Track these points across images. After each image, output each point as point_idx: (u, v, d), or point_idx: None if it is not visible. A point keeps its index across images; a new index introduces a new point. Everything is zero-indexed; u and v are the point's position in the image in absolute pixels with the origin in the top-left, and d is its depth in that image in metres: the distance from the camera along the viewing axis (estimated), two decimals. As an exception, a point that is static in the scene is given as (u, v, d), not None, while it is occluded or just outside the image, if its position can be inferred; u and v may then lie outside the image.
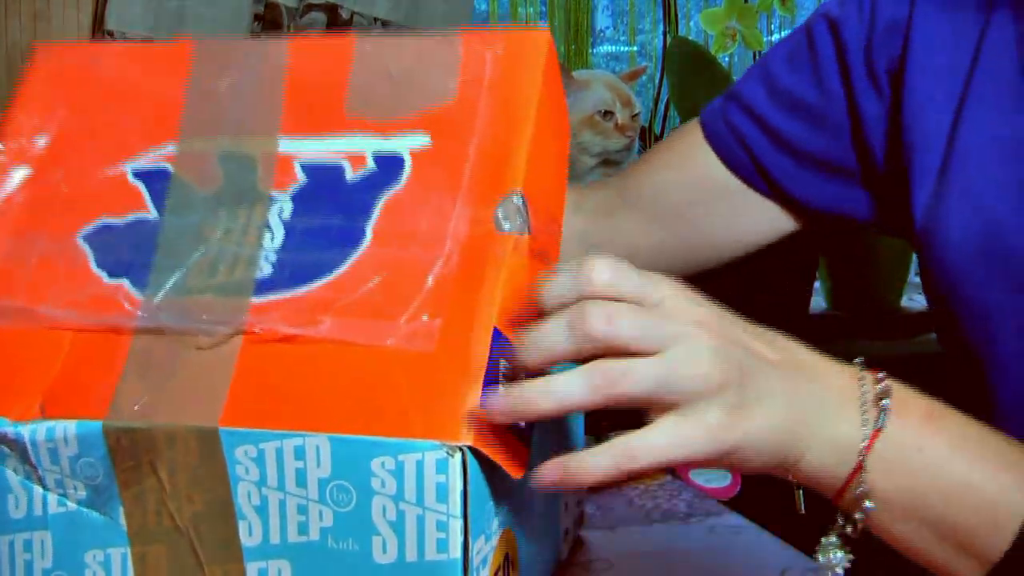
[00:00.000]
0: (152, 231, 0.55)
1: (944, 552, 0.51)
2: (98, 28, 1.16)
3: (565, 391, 0.46)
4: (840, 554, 0.52)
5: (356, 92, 0.55)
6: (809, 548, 0.55)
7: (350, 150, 0.54)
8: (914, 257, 0.72)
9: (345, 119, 0.55)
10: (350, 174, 0.53)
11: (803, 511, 0.55)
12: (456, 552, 0.47)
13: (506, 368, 0.49)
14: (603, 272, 0.47)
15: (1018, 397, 0.65)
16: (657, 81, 1.79)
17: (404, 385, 0.48)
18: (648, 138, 1.71)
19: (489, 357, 0.48)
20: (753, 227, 0.80)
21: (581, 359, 0.47)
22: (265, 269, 0.52)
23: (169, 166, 0.56)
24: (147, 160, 0.56)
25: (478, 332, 0.48)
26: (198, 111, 0.57)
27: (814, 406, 0.50)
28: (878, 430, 0.50)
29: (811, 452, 0.50)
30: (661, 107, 1.76)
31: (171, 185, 0.55)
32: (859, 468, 0.50)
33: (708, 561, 0.72)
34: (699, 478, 0.99)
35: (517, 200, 0.51)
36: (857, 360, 0.53)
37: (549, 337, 0.47)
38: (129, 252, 0.55)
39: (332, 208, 0.53)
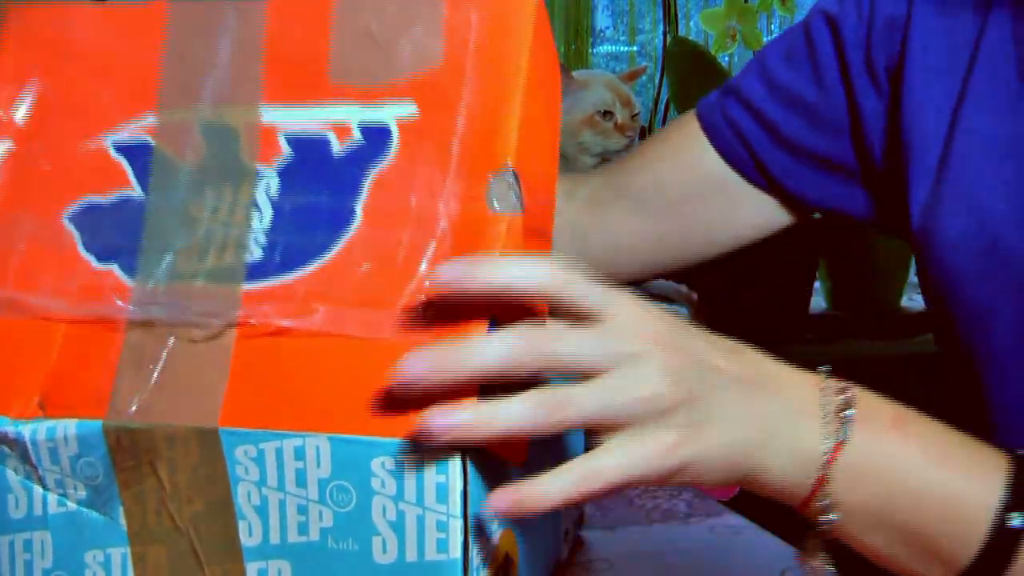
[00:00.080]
0: (138, 210, 0.54)
1: (914, 560, 0.51)
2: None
3: (506, 419, 0.45)
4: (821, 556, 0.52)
5: (338, 56, 0.53)
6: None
7: (335, 120, 0.53)
8: (913, 257, 0.72)
9: (328, 85, 0.53)
10: (336, 147, 0.52)
11: None
12: (456, 552, 0.47)
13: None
14: (549, 285, 0.46)
15: (1015, 397, 0.65)
16: (657, 81, 1.79)
17: None
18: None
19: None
20: (749, 221, 0.80)
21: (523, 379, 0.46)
22: (255, 252, 0.51)
23: (150, 139, 0.55)
24: (128, 132, 0.55)
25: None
26: (176, 79, 0.55)
27: (773, 421, 0.49)
28: (840, 443, 0.49)
29: (771, 467, 0.49)
30: (661, 107, 1.76)
31: (154, 160, 0.54)
32: (821, 482, 0.49)
33: (708, 561, 0.72)
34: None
35: (509, 177, 0.50)
36: (822, 368, 0.52)
37: (484, 355, 0.45)
38: (116, 234, 0.54)
39: (320, 185, 0.52)
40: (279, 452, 0.48)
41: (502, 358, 0.45)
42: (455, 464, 0.46)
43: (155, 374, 0.51)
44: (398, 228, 0.50)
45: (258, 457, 0.48)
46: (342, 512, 0.48)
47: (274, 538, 0.49)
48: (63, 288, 0.53)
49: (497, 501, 0.45)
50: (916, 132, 0.68)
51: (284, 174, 0.52)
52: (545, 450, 0.51)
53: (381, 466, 0.47)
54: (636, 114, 1.22)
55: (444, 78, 0.51)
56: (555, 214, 0.54)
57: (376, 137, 0.52)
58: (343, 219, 0.51)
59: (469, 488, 0.47)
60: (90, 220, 0.54)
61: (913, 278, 1.62)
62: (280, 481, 0.48)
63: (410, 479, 0.47)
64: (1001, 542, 0.49)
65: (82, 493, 0.51)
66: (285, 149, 0.53)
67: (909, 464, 0.50)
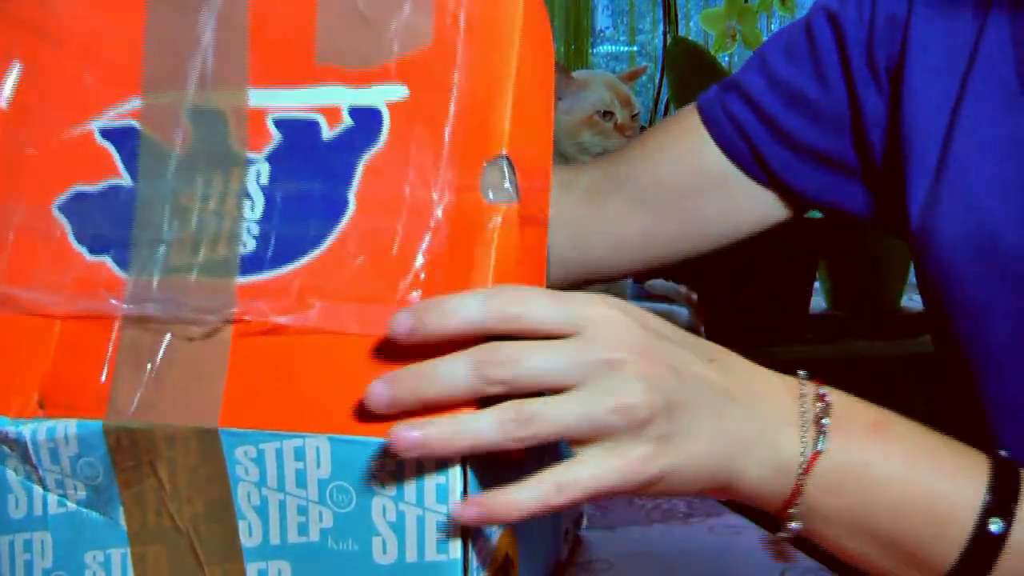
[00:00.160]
0: (128, 200, 0.53)
1: (894, 565, 0.50)
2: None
3: (475, 433, 0.45)
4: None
5: (326, 36, 0.52)
6: (809, 548, 0.55)
7: (324, 103, 0.52)
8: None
9: (316, 67, 0.52)
10: (327, 132, 0.51)
11: None
12: (456, 553, 0.47)
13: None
14: (512, 304, 0.46)
15: (1012, 395, 0.65)
16: (657, 81, 1.79)
17: None
18: (648, 138, 1.71)
19: None
20: (747, 215, 0.80)
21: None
22: (248, 244, 0.51)
23: (136, 123, 0.54)
24: (113, 116, 0.54)
25: None
26: (159, 61, 0.54)
27: (751, 432, 0.48)
28: (817, 453, 0.49)
29: (749, 477, 0.49)
30: (661, 107, 1.76)
31: (141, 146, 0.53)
32: (797, 491, 0.49)
33: (708, 561, 0.72)
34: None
35: (503, 166, 0.49)
36: (801, 373, 0.51)
37: (447, 376, 0.45)
38: (107, 224, 0.53)
39: (311, 171, 0.51)
40: (279, 452, 0.48)
41: (467, 382, 0.45)
42: (455, 465, 0.46)
43: (153, 373, 0.50)
44: (392, 217, 0.49)
45: (258, 457, 0.48)
46: (342, 513, 0.48)
47: (274, 538, 0.49)
48: (57, 282, 0.53)
49: (465, 510, 0.45)
50: (915, 131, 0.69)
51: (274, 160, 0.52)
52: (543, 447, 0.51)
53: (381, 467, 0.47)
54: (636, 114, 1.22)
55: (434, 59, 0.50)
56: (553, 205, 0.54)
57: (367, 121, 0.51)
58: (336, 208, 0.50)
59: (469, 489, 0.47)
60: (80, 210, 0.54)
61: (913, 278, 1.62)
62: (280, 481, 0.48)
63: (410, 480, 0.47)
64: (982, 547, 0.49)
65: (82, 493, 0.51)
66: (275, 134, 0.52)
67: (888, 471, 0.49)
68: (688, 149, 0.79)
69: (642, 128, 1.21)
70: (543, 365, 0.45)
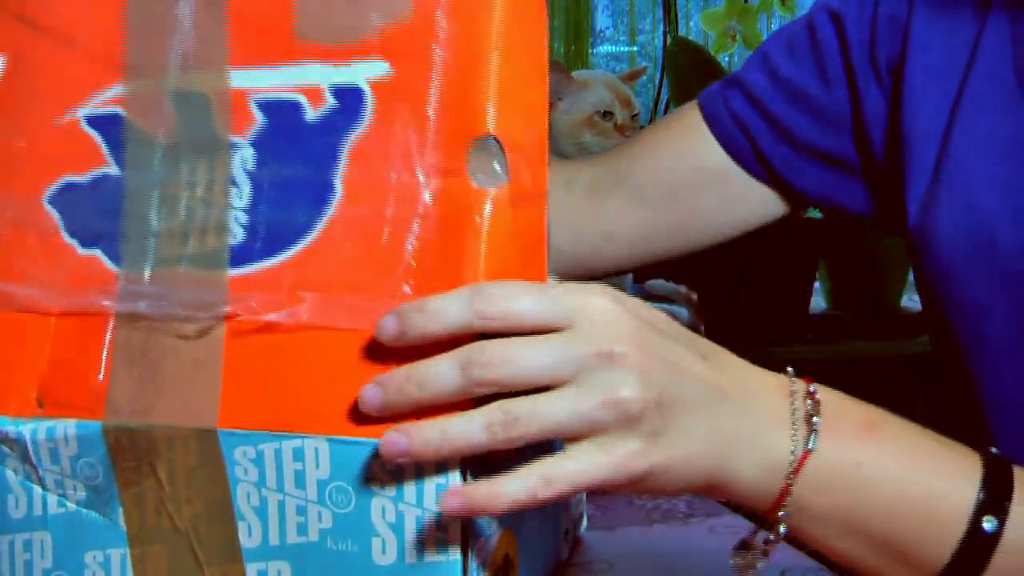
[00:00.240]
0: (116, 190, 0.52)
1: (884, 564, 0.50)
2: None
3: (462, 436, 0.44)
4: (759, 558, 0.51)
5: (303, 9, 0.51)
6: (810, 549, 0.55)
7: (305, 82, 0.51)
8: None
9: (295, 43, 0.51)
10: (310, 113, 0.50)
11: None
12: (456, 553, 0.47)
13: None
14: (495, 304, 0.45)
15: (1009, 394, 0.65)
16: (657, 81, 1.79)
17: None
18: (648, 138, 1.71)
19: None
20: (747, 212, 0.80)
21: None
22: (237, 234, 0.50)
23: (121, 110, 0.53)
24: (98, 104, 0.53)
25: None
26: (140, 45, 0.53)
27: (742, 431, 0.48)
28: (807, 452, 0.48)
29: (739, 476, 0.48)
30: (661, 107, 1.76)
31: (127, 134, 0.53)
32: (786, 491, 0.48)
33: (708, 561, 0.72)
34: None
35: (491, 146, 0.48)
36: (789, 370, 0.51)
37: (435, 379, 0.45)
38: (97, 216, 0.53)
39: (296, 155, 0.50)
40: (278, 453, 0.48)
41: (455, 384, 0.44)
42: (455, 466, 0.46)
43: (149, 373, 0.50)
44: (379, 204, 0.49)
45: (257, 458, 0.48)
46: (341, 513, 0.48)
47: (273, 539, 0.49)
48: (50, 278, 0.53)
49: (449, 501, 0.44)
50: (915, 130, 0.69)
51: (259, 144, 0.51)
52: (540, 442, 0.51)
53: (380, 467, 0.47)
54: (636, 114, 1.22)
55: (415, 33, 0.49)
56: (553, 203, 0.52)
57: (349, 101, 0.50)
58: (323, 194, 0.50)
59: (468, 489, 0.47)
60: (70, 201, 0.53)
61: (912, 278, 1.62)
62: (279, 482, 0.48)
63: (409, 481, 0.47)
64: (976, 546, 0.49)
65: (82, 494, 0.51)
66: (258, 117, 0.51)
67: (880, 470, 0.49)
68: (688, 145, 0.79)
69: (642, 128, 1.21)
70: (530, 365, 0.44)
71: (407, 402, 0.45)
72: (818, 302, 1.64)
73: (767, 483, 0.49)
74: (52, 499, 0.52)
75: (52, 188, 0.54)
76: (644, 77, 1.63)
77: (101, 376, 0.51)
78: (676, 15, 1.87)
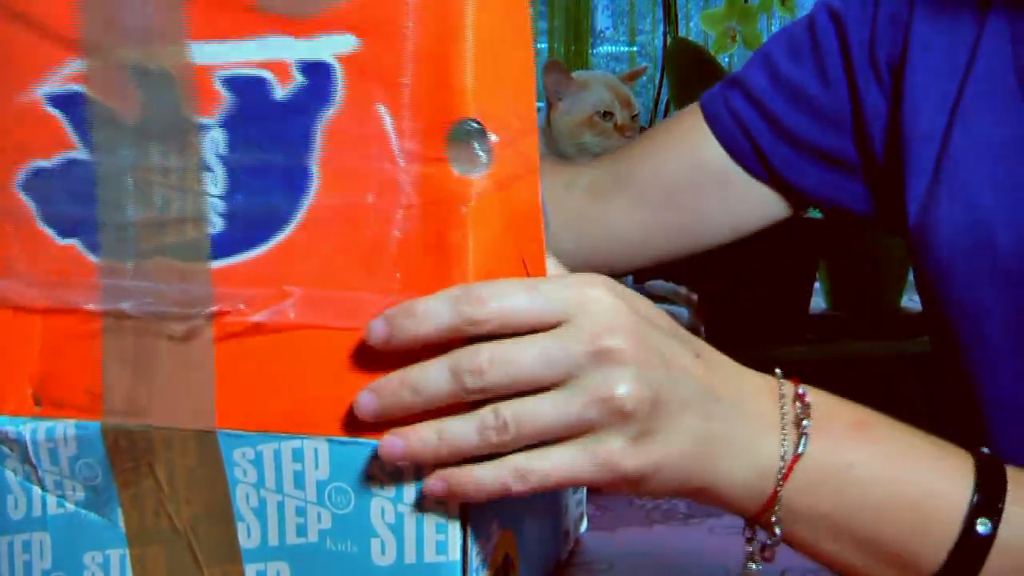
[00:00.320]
0: (87, 175, 0.50)
1: (876, 568, 0.50)
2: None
3: (456, 439, 0.44)
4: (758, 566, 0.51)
5: None
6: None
7: (270, 58, 0.48)
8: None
9: (255, 15, 0.48)
10: (278, 91, 0.48)
11: None
12: (455, 554, 0.47)
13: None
14: (483, 306, 0.44)
15: (1007, 394, 0.65)
16: (657, 81, 1.79)
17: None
18: (648, 138, 1.71)
19: None
20: (747, 212, 0.80)
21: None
22: (216, 224, 0.49)
23: (82, 88, 0.51)
24: (57, 81, 0.51)
25: None
26: (96, 16, 0.50)
27: (731, 434, 0.48)
28: (797, 456, 0.48)
29: (728, 480, 0.48)
30: (661, 107, 1.76)
31: (92, 114, 0.51)
32: (775, 496, 0.48)
33: (708, 561, 0.72)
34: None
35: (471, 129, 0.45)
36: (778, 372, 0.50)
37: (429, 385, 0.44)
38: (70, 202, 0.51)
39: (268, 138, 0.48)
40: (277, 454, 0.48)
41: (448, 389, 0.44)
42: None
43: (140, 373, 0.50)
44: (360, 192, 0.47)
45: (256, 459, 0.48)
46: (340, 514, 0.48)
47: (272, 540, 0.49)
48: (30, 270, 0.52)
49: (433, 484, 0.45)
50: (915, 130, 0.69)
51: (229, 126, 0.49)
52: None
53: (380, 468, 0.47)
54: (636, 115, 1.22)
55: (383, 3, 0.46)
56: (554, 205, 0.51)
57: (318, 78, 0.47)
58: (300, 181, 0.48)
59: (468, 489, 0.46)
60: (41, 187, 0.52)
61: (912, 278, 1.62)
62: (278, 483, 0.48)
63: (409, 481, 0.47)
64: (970, 547, 0.48)
65: (81, 494, 0.51)
66: (224, 95, 0.49)
67: (872, 470, 0.49)
68: (689, 146, 0.80)
69: (642, 129, 1.21)
70: (521, 370, 0.44)
71: (402, 407, 0.45)
72: (818, 302, 1.64)
73: (757, 487, 0.48)
74: (51, 500, 0.52)
75: (21, 173, 0.52)
76: (644, 77, 1.63)
77: (94, 376, 0.51)
78: (676, 15, 1.87)
